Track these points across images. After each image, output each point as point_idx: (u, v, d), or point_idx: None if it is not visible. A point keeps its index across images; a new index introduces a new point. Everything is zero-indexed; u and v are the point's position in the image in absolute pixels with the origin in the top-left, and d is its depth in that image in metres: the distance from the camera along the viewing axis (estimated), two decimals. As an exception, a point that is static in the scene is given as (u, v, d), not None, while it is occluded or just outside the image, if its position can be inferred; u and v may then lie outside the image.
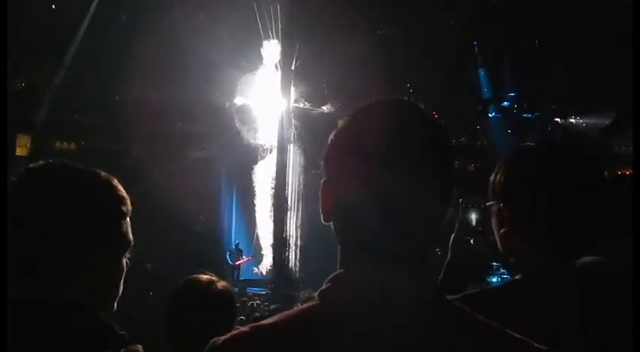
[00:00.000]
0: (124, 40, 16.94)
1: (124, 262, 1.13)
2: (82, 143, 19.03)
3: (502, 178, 1.32)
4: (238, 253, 16.70)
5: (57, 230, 1.01)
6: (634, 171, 1.32)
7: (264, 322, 0.86)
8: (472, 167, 19.88)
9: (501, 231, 1.31)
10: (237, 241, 17.30)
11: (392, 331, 0.82)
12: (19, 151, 17.93)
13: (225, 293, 1.98)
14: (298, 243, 16.37)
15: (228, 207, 18.90)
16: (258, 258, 17.10)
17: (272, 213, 16.29)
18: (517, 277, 1.30)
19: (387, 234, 0.85)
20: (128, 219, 1.13)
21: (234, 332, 0.85)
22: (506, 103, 20.11)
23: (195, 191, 16.04)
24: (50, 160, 1.10)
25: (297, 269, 16.14)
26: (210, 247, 17.02)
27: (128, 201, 1.13)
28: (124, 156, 19.05)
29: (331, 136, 0.92)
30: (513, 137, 18.25)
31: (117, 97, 18.09)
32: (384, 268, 0.85)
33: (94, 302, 1.08)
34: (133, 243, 1.13)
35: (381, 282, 0.84)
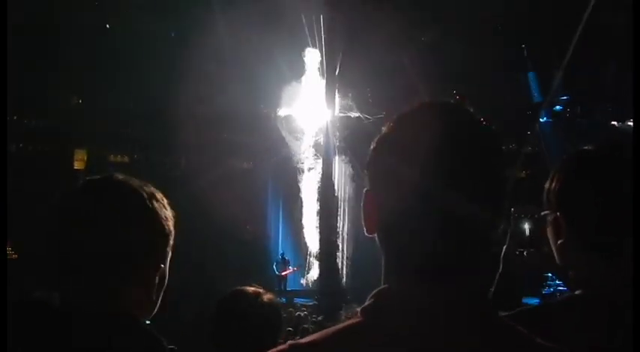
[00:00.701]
0: (172, 54, 17.54)
1: (166, 275, 1.16)
2: (135, 156, 19.75)
3: (558, 186, 1.23)
4: (284, 263, 16.80)
5: (110, 247, 1.06)
6: (634, 169, 1.19)
7: (302, 340, 0.83)
8: (523, 174, 19.30)
9: (558, 242, 1.22)
10: (283, 251, 17.42)
11: (439, 350, 0.77)
12: (77, 165, 18.83)
13: (270, 306, 1.98)
14: (345, 253, 16.31)
15: (274, 216, 19.10)
16: (304, 269, 17.14)
17: (318, 223, 16.33)
18: (577, 292, 1.21)
19: (437, 247, 0.80)
20: (172, 235, 1.16)
21: (274, 350, 0.82)
22: (558, 107, 19.44)
23: (243, 201, 16.31)
24: (103, 177, 1.14)
25: (345, 279, 16.07)
26: (257, 257, 17.23)
27: (172, 218, 1.16)
28: (174, 168, 19.65)
29: (374, 143, 0.87)
30: (567, 142, 17.60)
31: (167, 111, 18.68)
32: (432, 283, 0.81)
33: (141, 314, 1.12)
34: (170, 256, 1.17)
35: (429, 299, 0.80)
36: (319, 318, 10.13)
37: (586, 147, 1.28)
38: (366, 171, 0.88)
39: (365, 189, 0.88)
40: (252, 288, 2.02)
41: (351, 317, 0.89)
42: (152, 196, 1.13)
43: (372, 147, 0.87)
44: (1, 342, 1.01)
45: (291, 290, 16.54)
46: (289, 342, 0.82)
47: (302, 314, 11.14)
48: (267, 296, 2.00)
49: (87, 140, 18.57)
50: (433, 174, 0.79)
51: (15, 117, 17.83)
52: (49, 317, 1.03)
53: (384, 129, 0.88)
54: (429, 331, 0.78)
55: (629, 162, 1.18)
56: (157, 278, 1.14)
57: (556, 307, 1.23)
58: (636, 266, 1.12)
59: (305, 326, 9.12)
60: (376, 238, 0.86)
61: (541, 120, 19.75)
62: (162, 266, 1.14)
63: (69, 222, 1.08)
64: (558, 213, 1.22)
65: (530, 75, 19.36)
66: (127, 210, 1.09)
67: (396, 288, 0.83)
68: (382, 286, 0.84)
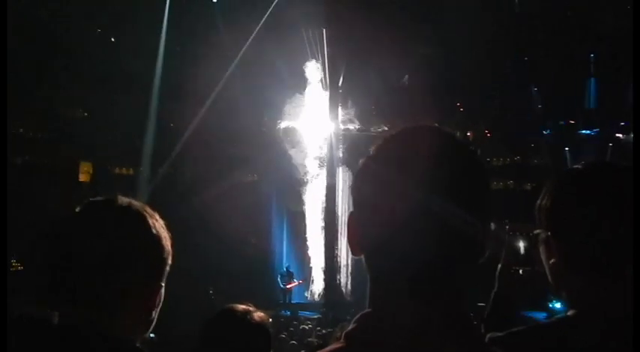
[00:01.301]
0: (177, 68, 17.68)
1: (163, 294, 1.17)
2: (140, 168, 19.82)
3: (548, 204, 1.20)
4: (289, 276, 16.73)
5: (111, 270, 1.08)
6: (634, 170, 1.17)
7: None
8: (528, 186, 19.24)
9: (550, 262, 1.20)
10: (287, 264, 17.35)
11: None
12: (82, 178, 18.91)
13: (259, 325, 1.91)
14: (349, 267, 16.23)
15: (278, 229, 19.06)
16: (308, 282, 17.05)
17: (322, 236, 16.28)
18: (569, 313, 1.18)
19: (425, 268, 0.79)
20: (170, 255, 1.17)
21: None
22: (561, 120, 19.42)
23: (247, 214, 16.30)
24: (105, 199, 1.15)
25: (349, 292, 15.96)
26: (262, 270, 17.15)
27: (170, 238, 1.18)
28: (179, 181, 19.69)
29: (360, 166, 0.87)
30: (571, 155, 17.55)
31: (171, 124, 18.79)
32: (418, 306, 0.79)
33: (139, 332, 1.14)
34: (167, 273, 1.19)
35: (411, 323, 0.78)
36: (324, 331, 10.05)
37: (577, 166, 1.26)
38: (351, 193, 0.87)
39: (350, 210, 0.87)
40: (242, 306, 1.96)
41: (340, 337, 0.86)
42: (152, 217, 1.14)
43: (357, 170, 0.87)
44: (1, 342, 1.01)
45: (296, 303, 16.44)
46: None
47: (307, 327, 11.06)
48: (257, 315, 1.93)
49: (92, 152, 18.67)
50: (431, 189, 0.79)
51: (21, 130, 17.96)
52: (47, 335, 1.03)
53: (370, 151, 0.88)
54: None
55: (621, 181, 1.16)
56: (155, 297, 1.15)
57: (548, 328, 1.21)
58: (636, 266, 1.10)
59: (310, 339, 9.05)
60: (363, 259, 0.85)
61: (544, 132, 19.74)
62: (161, 285, 1.16)
63: (69, 245, 1.09)
64: (549, 233, 1.20)
65: (534, 88, 19.37)
66: (128, 232, 1.11)
67: (379, 313, 0.82)
68: (366, 310, 0.83)
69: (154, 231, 1.12)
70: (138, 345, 1.10)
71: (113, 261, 1.07)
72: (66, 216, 1.13)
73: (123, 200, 1.14)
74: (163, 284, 1.16)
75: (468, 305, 0.83)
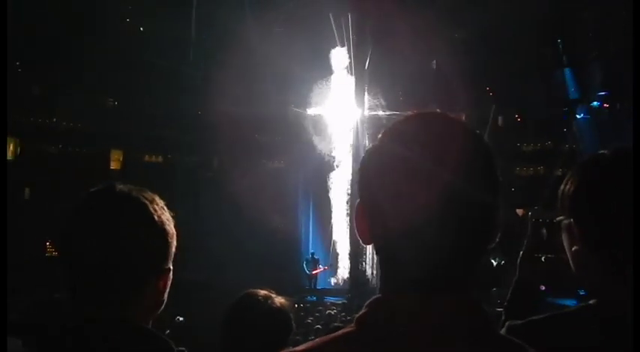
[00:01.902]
0: (204, 56, 17.82)
1: (169, 275, 1.18)
2: (169, 156, 20.14)
3: (571, 190, 1.17)
4: (314, 262, 16.85)
5: (117, 257, 1.09)
6: (634, 169, 1.12)
7: (297, 348, 0.82)
8: (559, 172, 18.80)
9: (573, 249, 1.17)
10: (313, 250, 17.47)
11: None
12: (113, 165, 19.34)
13: (280, 310, 1.94)
14: (374, 253, 16.21)
15: (305, 216, 19.16)
16: (334, 268, 17.15)
17: (348, 223, 16.30)
18: (591, 302, 1.17)
19: (434, 256, 0.79)
20: (174, 236, 1.17)
21: None
22: (595, 103, 18.82)
23: (274, 200, 16.42)
24: (104, 187, 1.15)
25: (374, 278, 15.98)
26: (288, 256, 17.32)
27: (172, 219, 1.18)
28: (207, 168, 19.95)
29: (365, 156, 0.86)
30: (605, 140, 17.04)
31: (199, 112, 19.00)
32: (427, 294, 0.79)
33: (150, 314, 1.16)
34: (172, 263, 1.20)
35: (421, 310, 0.79)
36: (349, 317, 10.12)
37: (602, 151, 1.22)
38: (358, 183, 0.85)
39: (357, 200, 0.86)
40: (263, 292, 1.99)
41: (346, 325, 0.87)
42: (152, 202, 1.15)
43: (363, 159, 0.86)
44: (2, 341, 1.04)
45: (321, 288, 16.57)
46: (286, 350, 0.83)
47: (332, 313, 11.14)
48: (278, 301, 1.96)
49: (123, 141, 19.04)
50: (428, 183, 0.78)
51: (54, 120, 18.45)
52: (63, 324, 1.07)
53: (376, 141, 0.86)
54: (423, 342, 0.77)
55: None
56: (166, 280, 1.16)
57: (568, 317, 1.19)
58: (636, 265, 1.07)
59: (335, 324, 9.11)
60: (374, 247, 0.84)
61: (578, 117, 19.18)
62: (169, 268, 1.17)
63: (74, 236, 1.11)
64: (572, 219, 1.17)
65: (567, 71, 18.80)
66: (130, 218, 1.11)
67: (389, 299, 0.81)
68: (376, 295, 0.83)
69: (156, 217, 1.13)
70: (154, 330, 1.13)
71: (118, 253, 1.08)
72: (68, 212, 1.13)
73: (122, 188, 1.14)
74: (171, 267, 1.17)
75: (478, 292, 0.83)
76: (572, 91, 18.96)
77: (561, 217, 1.22)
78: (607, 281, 1.12)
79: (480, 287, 0.85)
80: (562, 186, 1.21)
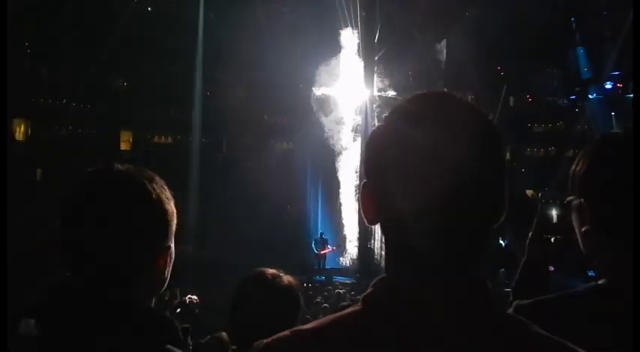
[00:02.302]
0: (213, 37, 17.73)
1: (171, 252, 1.18)
2: (178, 137, 20.21)
3: (582, 171, 1.16)
4: (323, 242, 16.94)
5: (119, 238, 1.09)
6: (634, 168, 1.11)
7: (304, 326, 0.83)
8: (571, 153, 18.63)
9: (583, 229, 1.16)
10: (322, 230, 17.55)
11: (434, 341, 0.76)
12: (123, 146, 19.47)
13: (288, 288, 1.94)
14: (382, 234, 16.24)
15: (313, 196, 19.22)
16: (342, 248, 17.24)
17: (357, 203, 16.32)
18: (600, 282, 1.16)
19: (441, 236, 0.78)
20: (175, 214, 1.18)
21: (276, 336, 0.83)
22: (609, 83, 18.53)
23: (283, 181, 16.47)
24: (102, 168, 1.15)
25: (382, 258, 16.05)
26: (297, 236, 17.43)
27: (172, 197, 1.18)
28: (217, 149, 20.01)
29: (371, 136, 0.85)
30: (618, 120, 16.81)
31: (208, 93, 18.99)
32: (434, 273, 0.79)
33: (153, 292, 1.18)
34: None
35: (429, 289, 0.78)
36: (357, 297, 10.20)
37: (614, 131, 1.22)
38: (364, 164, 0.85)
39: (363, 181, 0.85)
40: (272, 270, 1.99)
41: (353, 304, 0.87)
42: (151, 180, 1.14)
43: (368, 140, 0.85)
44: (2, 341, 1.04)
45: (330, 268, 16.69)
46: (292, 329, 0.82)
47: (341, 292, 11.24)
48: (286, 279, 1.96)
49: (133, 122, 19.11)
50: (435, 163, 0.77)
51: (64, 101, 18.53)
52: (70, 301, 1.07)
53: (382, 121, 0.86)
54: (425, 323, 0.77)
55: None
56: (168, 258, 1.17)
57: (576, 297, 1.18)
58: (636, 265, 1.06)
59: (344, 303, 9.20)
60: (380, 227, 0.84)
61: (590, 97, 18.91)
62: (171, 245, 1.17)
63: (73, 217, 1.10)
64: (582, 199, 1.16)
65: (580, 50, 18.48)
66: (130, 198, 1.11)
67: (396, 278, 0.81)
68: (382, 275, 0.83)
69: (154, 196, 1.12)
70: (157, 309, 1.14)
71: (117, 233, 1.08)
72: (66, 195, 1.13)
73: (120, 168, 1.14)
74: (172, 244, 1.17)
75: (484, 272, 0.82)
76: (585, 71, 18.66)
77: (572, 197, 1.21)
78: (616, 261, 1.12)
79: (489, 267, 0.84)
80: (573, 166, 1.21)
